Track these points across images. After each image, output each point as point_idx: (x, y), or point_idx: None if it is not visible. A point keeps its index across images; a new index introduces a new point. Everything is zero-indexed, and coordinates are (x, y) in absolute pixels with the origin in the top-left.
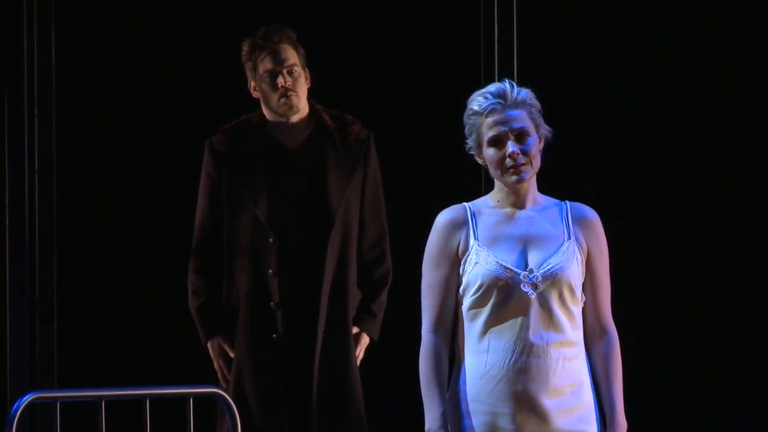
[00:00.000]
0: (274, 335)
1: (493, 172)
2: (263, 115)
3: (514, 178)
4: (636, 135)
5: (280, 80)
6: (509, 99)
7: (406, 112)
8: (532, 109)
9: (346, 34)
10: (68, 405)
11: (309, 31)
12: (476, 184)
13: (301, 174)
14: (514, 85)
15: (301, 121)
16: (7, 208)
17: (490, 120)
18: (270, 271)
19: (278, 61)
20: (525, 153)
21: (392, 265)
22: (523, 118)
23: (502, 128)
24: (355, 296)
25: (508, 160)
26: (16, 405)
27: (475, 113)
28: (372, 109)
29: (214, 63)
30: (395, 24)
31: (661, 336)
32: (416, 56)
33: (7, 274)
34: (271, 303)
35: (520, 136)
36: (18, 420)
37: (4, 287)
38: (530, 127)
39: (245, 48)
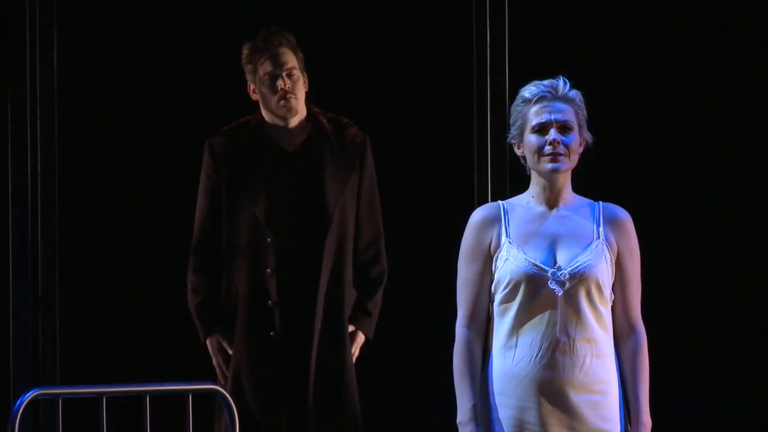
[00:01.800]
0: (271, 333)
1: (530, 159)
2: (262, 118)
3: (549, 166)
4: (636, 134)
5: (280, 83)
6: (560, 92)
7: (402, 115)
8: (579, 110)
9: (342, 38)
10: (70, 401)
11: (306, 35)
12: (470, 185)
13: (298, 176)
14: (568, 82)
15: (299, 123)
16: (10, 208)
17: (537, 107)
18: (268, 270)
19: (278, 65)
20: (565, 145)
21: (387, 265)
22: (569, 113)
23: (548, 116)
24: (350, 295)
25: (548, 146)
26: (19, 401)
27: (525, 100)
28: (368, 112)
29: (214, 65)
30: (391, 28)
31: (690, 337)
32: (412, 60)
33: (10, 272)
34: (269, 301)
35: (564, 128)
36: (21, 416)
37: (7, 285)
38: (574, 124)
39: (245, 51)
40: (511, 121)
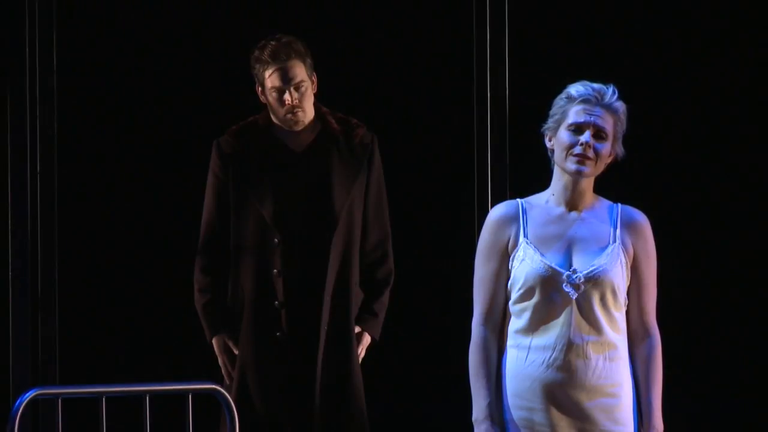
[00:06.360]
0: (278, 333)
1: (558, 155)
2: (270, 118)
3: (574, 167)
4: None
5: (287, 97)
6: (606, 99)
7: (410, 116)
8: (619, 122)
9: (350, 37)
10: (70, 401)
11: (314, 34)
12: (471, 186)
13: (306, 176)
14: (617, 92)
15: (308, 124)
16: (9, 207)
17: (579, 107)
18: (275, 270)
19: (286, 80)
20: (596, 151)
21: (394, 265)
22: (608, 122)
23: (588, 118)
24: (357, 296)
25: (578, 147)
26: (18, 401)
27: (569, 97)
28: (376, 113)
29: (220, 63)
30: (400, 29)
31: (704, 341)
32: (420, 61)
33: (10, 272)
34: (276, 302)
35: (599, 135)
36: (21, 416)
37: (7, 285)
38: (610, 133)
39: (252, 61)
40: (550, 113)
